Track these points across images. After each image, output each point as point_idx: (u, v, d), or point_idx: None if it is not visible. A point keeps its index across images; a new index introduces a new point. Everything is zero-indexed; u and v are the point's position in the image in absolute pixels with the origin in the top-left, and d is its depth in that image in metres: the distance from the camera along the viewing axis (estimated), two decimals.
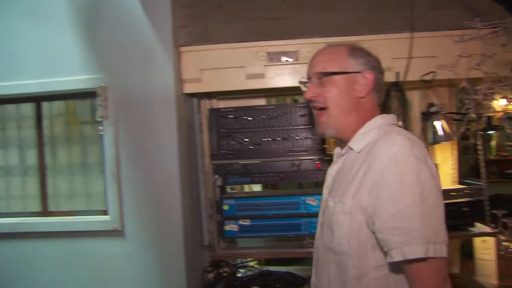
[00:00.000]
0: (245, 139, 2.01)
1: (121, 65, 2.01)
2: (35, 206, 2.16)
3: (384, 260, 0.96)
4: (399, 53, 1.96)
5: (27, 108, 2.18)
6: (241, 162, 2.01)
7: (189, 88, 2.06)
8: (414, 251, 0.87)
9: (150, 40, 1.98)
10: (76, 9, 2.04)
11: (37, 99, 2.15)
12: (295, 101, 2.63)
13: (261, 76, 2.02)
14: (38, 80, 2.05)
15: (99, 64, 2.02)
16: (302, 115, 2.00)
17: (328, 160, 1.94)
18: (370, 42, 1.92)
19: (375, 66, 1.08)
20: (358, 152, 1.03)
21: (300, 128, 2.01)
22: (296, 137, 2.00)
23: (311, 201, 1.97)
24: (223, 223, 2.01)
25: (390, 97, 2.07)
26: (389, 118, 1.08)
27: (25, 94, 2.09)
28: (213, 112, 2.06)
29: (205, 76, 2.05)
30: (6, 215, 2.16)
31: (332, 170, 1.14)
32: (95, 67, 2.03)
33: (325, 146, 1.99)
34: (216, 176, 2.02)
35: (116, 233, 2.00)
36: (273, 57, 2.04)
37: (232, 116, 2.02)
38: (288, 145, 2.00)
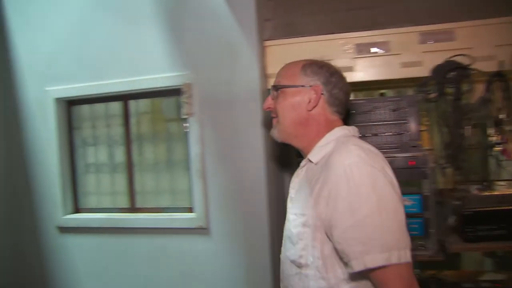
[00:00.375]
0: None
1: (205, 61, 2.21)
2: (123, 202, 2.45)
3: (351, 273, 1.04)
4: (503, 40, 1.95)
5: (115, 107, 2.47)
6: None
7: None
8: (375, 260, 0.96)
9: (234, 36, 2.15)
10: (161, 7, 2.27)
11: (125, 98, 2.43)
12: (382, 94, 2.71)
13: (350, 69, 2.11)
14: (125, 79, 2.32)
15: (184, 61, 2.23)
16: (393, 110, 2.06)
17: (421, 157, 2.03)
18: (468, 29, 2.00)
19: (327, 80, 1.21)
20: (316, 164, 1.16)
21: (391, 124, 2.06)
22: (387, 133, 2.08)
23: (405, 201, 2.05)
24: None
25: (492, 89, 2.12)
26: (349, 129, 1.20)
27: (113, 93, 2.36)
28: None
29: None
30: (96, 211, 2.48)
31: (294, 183, 1.27)
32: (180, 64, 2.26)
33: (418, 142, 2.07)
34: None
35: (201, 231, 2.20)
36: (362, 49, 2.14)
37: None
38: (379, 141, 2.07)
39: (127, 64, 2.35)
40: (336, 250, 1.06)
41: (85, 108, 2.54)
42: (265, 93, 2.18)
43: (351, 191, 1.00)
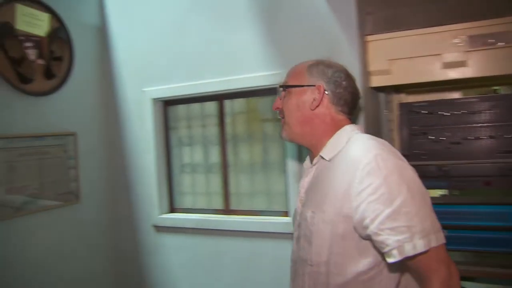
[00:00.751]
0: (441, 138, 2.13)
1: (302, 59, 2.31)
2: (218, 203, 2.67)
3: (373, 263, 1.18)
4: None
5: (211, 107, 2.70)
6: (437, 163, 2.13)
7: (377, 81, 2.24)
8: (416, 247, 1.07)
9: (333, 31, 2.23)
10: (256, 5, 2.43)
11: (220, 97, 2.64)
12: (495, 91, 2.65)
13: (462, 64, 2.10)
14: (220, 79, 2.52)
15: (280, 59, 2.37)
16: None
17: None
18: None
19: (331, 79, 1.35)
20: (329, 160, 1.27)
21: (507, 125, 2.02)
22: (507, 135, 2.04)
23: None
24: None
25: None
26: (357, 127, 1.35)
27: (209, 92, 2.57)
28: (404, 107, 2.21)
29: (394, 67, 2.20)
30: (192, 211, 2.72)
31: (304, 182, 1.38)
32: (276, 63, 2.40)
33: None
34: None
35: None
36: (476, 41, 2.15)
37: (426, 112, 2.15)
38: (497, 144, 2.05)
39: (222, 63, 2.55)
40: (367, 243, 1.19)
41: (181, 108, 2.81)
42: (367, 91, 2.24)
43: (381, 182, 1.11)
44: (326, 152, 1.32)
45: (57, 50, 2.59)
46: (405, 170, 1.16)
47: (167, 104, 2.83)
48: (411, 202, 1.10)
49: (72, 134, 2.65)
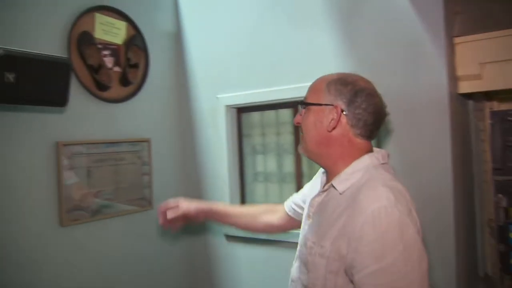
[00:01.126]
0: None
1: (382, 63, 2.26)
2: None
3: None
4: None
5: (285, 114, 2.70)
6: None
7: (466, 87, 2.14)
8: None
9: (416, 32, 2.15)
10: (333, 10, 2.42)
11: (295, 105, 2.62)
12: None
13: None
14: (295, 85, 2.51)
15: (357, 63, 2.32)
16: None
17: None
18: None
19: (350, 99, 1.24)
20: (341, 194, 1.22)
21: None
22: None
23: None
24: (509, 254, 2.04)
25: None
26: (378, 157, 1.25)
27: (283, 99, 2.59)
28: (497, 115, 2.09)
29: (485, 72, 2.09)
30: None
31: (314, 201, 1.34)
32: (355, 68, 2.32)
33: None
34: (500, 195, 2.04)
35: None
36: None
37: None
38: None
39: (297, 70, 2.55)
40: (350, 286, 1.16)
41: (254, 115, 2.83)
42: (455, 98, 2.15)
43: (378, 236, 1.07)
44: (339, 183, 1.27)
45: (133, 57, 2.65)
46: (407, 229, 1.10)
47: (240, 111, 2.88)
48: (402, 264, 1.07)
49: (147, 141, 2.72)
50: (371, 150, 1.31)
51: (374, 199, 1.14)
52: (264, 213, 1.84)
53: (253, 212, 1.86)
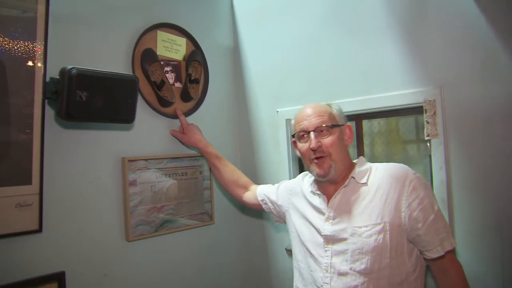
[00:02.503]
0: None
1: (452, 73, 2.16)
2: None
3: (415, 264, 1.54)
4: None
5: None
6: None
7: None
8: (451, 243, 1.51)
9: (488, 41, 2.05)
10: (396, 18, 2.34)
11: (357, 117, 2.57)
12: None
13: None
14: (357, 98, 2.46)
15: (425, 75, 2.24)
16: None
17: None
18: None
19: (345, 118, 1.80)
20: (366, 183, 1.61)
21: None
22: None
23: None
24: None
25: None
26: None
27: (345, 112, 2.50)
28: None
29: None
30: None
31: (333, 203, 1.66)
32: (421, 79, 2.26)
33: None
34: None
35: None
36: None
37: None
38: None
39: (360, 81, 2.49)
40: (414, 244, 1.55)
41: None
42: None
43: (425, 194, 1.52)
44: (361, 177, 1.64)
45: (193, 73, 2.68)
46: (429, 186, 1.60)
47: None
48: (440, 208, 1.55)
49: None
50: None
51: (405, 170, 1.59)
52: (239, 185, 2.34)
53: (233, 177, 2.37)
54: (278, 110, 2.81)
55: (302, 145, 1.71)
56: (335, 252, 1.57)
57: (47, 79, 1.93)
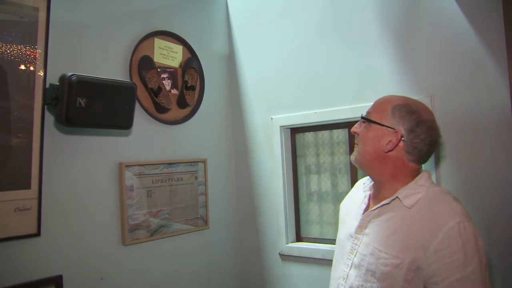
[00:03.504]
0: None
1: (442, 83, 2.20)
2: None
3: None
4: None
5: (340, 134, 2.69)
6: None
7: None
8: None
9: (477, 51, 2.10)
10: (388, 28, 2.40)
11: (350, 125, 2.59)
12: None
13: None
14: (350, 106, 2.50)
15: (416, 84, 2.29)
16: None
17: None
18: None
19: (412, 128, 1.36)
20: (409, 207, 1.34)
21: None
22: None
23: None
24: None
25: None
26: (430, 175, 1.44)
27: (338, 120, 2.58)
28: None
29: None
30: (319, 241, 2.72)
31: (370, 213, 1.45)
32: (412, 88, 2.29)
33: None
34: None
35: None
36: None
37: None
38: None
39: (353, 90, 2.54)
40: None
41: (309, 135, 2.83)
42: None
43: (460, 248, 1.22)
44: (405, 197, 1.38)
45: (189, 80, 2.72)
46: (480, 241, 1.26)
47: (294, 131, 2.88)
48: (479, 272, 1.22)
49: (203, 161, 2.72)
50: (421, 170, 1.46)
51: (452, 213, 1.28)
52: None
53: None
54: (272, 117, 2.85)
55: None
56: (354, 264, 1.43)
57: (47, 85, 1.96)
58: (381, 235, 1.38)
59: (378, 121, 1.42)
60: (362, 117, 1.48)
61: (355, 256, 1.43)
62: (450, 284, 1.22)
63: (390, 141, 1.38)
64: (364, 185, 1.60)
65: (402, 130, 1.37)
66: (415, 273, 1.28)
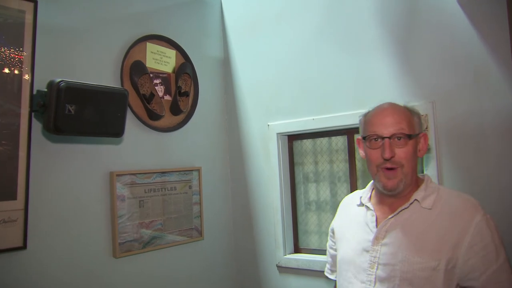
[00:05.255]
0: None
1: (443, 88, 2.18)
2: None
3: None
4: None
5: (339, 141, 2.65)
6: None
7: None
8: None
9: (481, 56, 2.08)
10: (388, 34, 2.37)
11: (349, 132, 2.57)
12: None
13: None
14: (349, 112, 2.46)
15: (417, 90, 2.27)
16: None
17: None
18: None
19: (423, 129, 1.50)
20: (430, 208, 1.38)
21: None
22: None
23: None
24: None
25: None
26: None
27: (337, 127, 2.54)
28: None
29: None
30: (318, 252, 2.66)
31: (386, 222, 1.43)
32: (413, 94, 2.28)
33: None
34: None
35: None
36: None
37: None
38: None
39: (352, 96, 2.50)
40: None
41: (306, 143, 2.79)
42: None
43: (489, 241, 1.30)
44: (423, 199, 1.41)
45: (183, 85, 2.68)
46: (498, 230, 1.36)
47: (292, 139, 2.83)
48: (508, 262, 1.32)
49: (198, 169, 2.68)
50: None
51: (474, 208, 1.36)
52: None
53: None
54: (269, 123, 2.81)
55: (372, 151, 1.43)
56: (379, 277, 1.37)
57: (34, 92, 1.91)
58: (408, 241, 1.37)
59: (417, 133, 1.46)
60: (404, 135, 1.40)
61: (377, 269, 1.39)
62: (488, 276, 1.28)
63: (422, 146, 1.48)
64: (361, 198, 1.58)
65: (425, 131, 1.53)
66: (450, 274, 1.31)
